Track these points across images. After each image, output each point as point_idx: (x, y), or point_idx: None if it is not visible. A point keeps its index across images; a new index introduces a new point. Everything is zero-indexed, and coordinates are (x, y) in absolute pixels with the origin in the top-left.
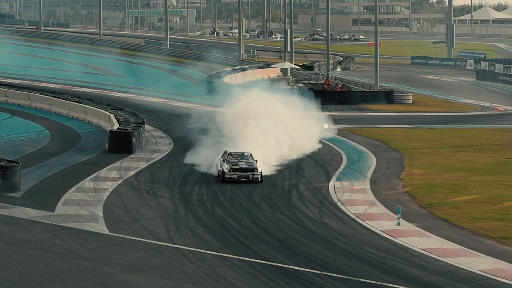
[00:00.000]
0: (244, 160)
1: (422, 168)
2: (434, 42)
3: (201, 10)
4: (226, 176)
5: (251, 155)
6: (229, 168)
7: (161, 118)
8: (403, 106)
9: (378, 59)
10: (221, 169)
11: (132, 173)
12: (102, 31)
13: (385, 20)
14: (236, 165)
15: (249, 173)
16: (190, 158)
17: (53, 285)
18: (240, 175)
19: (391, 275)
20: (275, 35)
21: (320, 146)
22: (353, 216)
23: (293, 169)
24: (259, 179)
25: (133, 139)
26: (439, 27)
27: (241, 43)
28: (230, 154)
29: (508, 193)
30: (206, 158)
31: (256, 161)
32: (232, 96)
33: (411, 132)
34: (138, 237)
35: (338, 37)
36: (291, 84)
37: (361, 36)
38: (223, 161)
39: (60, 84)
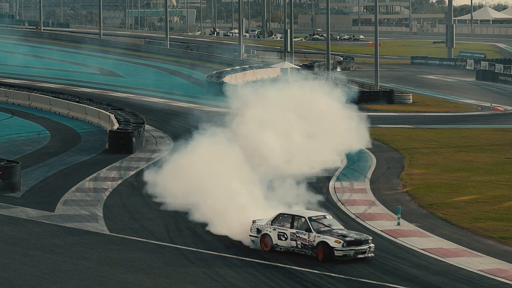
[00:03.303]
0: (335, 227)
1: (422, 168)
2: (434, 42)
3: (201, 10)
4: (338, 253)
5: (333, 218)
6: (342, 242)
7: (161, 118)
8: (403, 106)
9: (378, 59)
10: (282, 240)
11: (132, 173)
12: (102, 31)
13: (385, 20)
14: (348, 237)
15: (366, 247)
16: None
17: (53, 285)
18: (358, 251)
19: (391, 275)
20: (275, 35)
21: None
22: (353, 216)
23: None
24: (372, 253)
25: (133, 139)
26: (439, 27)
27: (241, 43)
28: (311, 219)
29: (508, 193)
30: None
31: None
32: (240, 96)
33: (411, 132)
34: (138, 237)
35: (338, 37)
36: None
37: (361, 36)
38: (302, 230)
39: (60, 84)
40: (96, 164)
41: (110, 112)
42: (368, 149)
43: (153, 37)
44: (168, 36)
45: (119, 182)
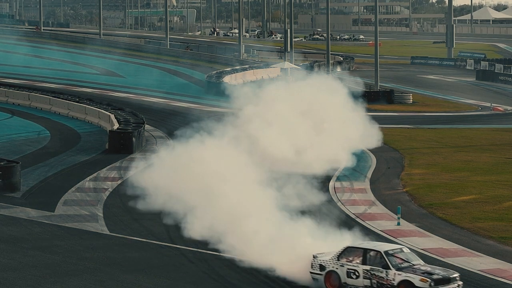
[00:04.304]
0: (415, 262)
1: (422, 168)
2: (434, 42)
3: (201, 10)
4: None
5: (410, 251)
6: (429, 281)
7: (162, 118)
8: (403, 106)
9: (378, 59)
10: (350, 277)
11: (132, 173)
12: (102, 31)
13: (385, 20)
14: (434, 274)
15: (455, 285)
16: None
17: (53, 285)
18: None
19: None
20: (275, 35)
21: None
22: (353, 216)
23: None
24: None
25: (133, 139)
26: (439, 27)
27: (241, 43)
28: (387, 253)
29: (508, 193)
30: None
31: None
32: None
33: (411, 132)
34: (138, 237)
35: (338, 37)
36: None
37: (361, 36)
38: (378, 267)
39: (60, 84)
40: (96, 164)
41: (110, 112)
42: (368, 149)
43: (153, 37)
44: (168, 36)
45: (119, 182)
